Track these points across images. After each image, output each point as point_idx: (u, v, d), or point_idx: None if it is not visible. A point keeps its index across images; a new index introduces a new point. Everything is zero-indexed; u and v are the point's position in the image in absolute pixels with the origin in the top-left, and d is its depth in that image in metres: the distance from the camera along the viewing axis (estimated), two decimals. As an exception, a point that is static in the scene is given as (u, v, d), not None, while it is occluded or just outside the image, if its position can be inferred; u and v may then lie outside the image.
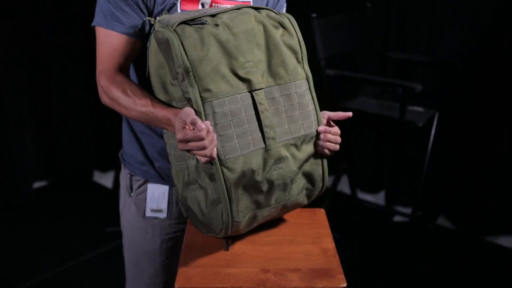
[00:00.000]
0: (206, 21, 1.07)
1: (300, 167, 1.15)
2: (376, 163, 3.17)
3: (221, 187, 1.05)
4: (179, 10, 1.19)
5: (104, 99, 1.21)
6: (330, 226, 1.29)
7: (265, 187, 1.10)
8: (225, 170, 1.04)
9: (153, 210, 1.36)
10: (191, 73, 1.03)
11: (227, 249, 1.16)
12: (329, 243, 1.21)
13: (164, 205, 1.36)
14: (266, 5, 1.31)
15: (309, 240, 1.22)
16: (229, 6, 1.21)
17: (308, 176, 1.18)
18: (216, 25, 1.08)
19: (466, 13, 2.62)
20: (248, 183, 1.08)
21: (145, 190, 1.37)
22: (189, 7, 1.20)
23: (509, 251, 2.67)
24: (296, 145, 1.13)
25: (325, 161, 1.19)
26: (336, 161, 3.16)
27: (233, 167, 1.04)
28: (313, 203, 1.26)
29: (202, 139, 0.99)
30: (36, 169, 3.25)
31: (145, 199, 1.37)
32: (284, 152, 1.11)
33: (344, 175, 2.97)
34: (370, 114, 2.41)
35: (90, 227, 2.80)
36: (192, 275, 1.09)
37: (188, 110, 1.02)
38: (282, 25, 1.15)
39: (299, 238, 1.23)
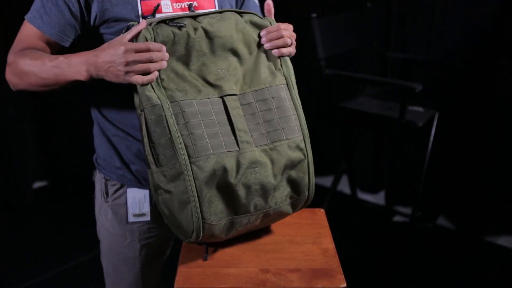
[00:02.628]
0: (185, 24, 1.08)
1: (282, 173, 1.11)
2: (376, 163, 3.17)
3: (189, 186, 1.02)
4: (140, 18, 1.16)
5: (10, 77, 1.20)
6: (330, 226, 1.29)
7: (242, 191, 1.06)
8: (194, 168, 1.02)
9: (135, 215, 1.32)
10: (158, 76, 1.05)
11: (205, 259, 1.13)
12: (329, 243, 1.21)
13: (146, 209, 1.32)
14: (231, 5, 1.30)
15: (309, 240, 1.22)
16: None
17: (293, 184, 1.14)
18: (195, 29, 1.09)
19: (466, 13, 2.62)
20: (222, 185, 1.05)
21: (122, 195, 1.32)
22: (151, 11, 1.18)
23: (509, 251, 2.67)
24: (277, 151, 1.10)
25: (311, 169, 1.16)
26: (336, 161, 3.17)
27: (204, 165, 1.02)
28: (313, 203, 1.25)
29: (149, 49, 1.02)
30: (36, 169, 3.25)
31: (123, 204, 1.32)
32: (261, 157, 1.08)
33: (344, 175, 2.97)
34: (370, 114, 2.41)
35: (90, 227, 2.79)
36: (192, 275, 1.09)
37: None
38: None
39: (299, 238, 1.23)
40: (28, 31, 1.18)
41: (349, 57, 2.87)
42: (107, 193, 1.34)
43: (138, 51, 1.03)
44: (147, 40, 1.04)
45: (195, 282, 1.06)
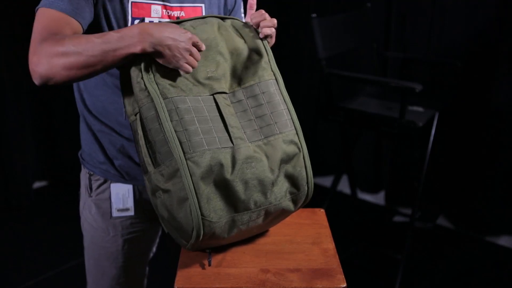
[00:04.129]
0: None
1: (279, 168, 1.11)
2: (376, 163, 3.17)
3: (186, 182, 1.02)
4: (129, 17, 1.18)
5: (38, 66, 1.02)
6: (330, 226, 1.29)
7: (239, 187, 1.06)
8: (190, 164, 1.02)
9: (119, 210, 1.34)
10: (150, 72, 1.07)
11: (209, 264, 1.11)
12: (329, 243, 1.21)
13: (130, 204, 1.33)
14: (224, 6, 1.33)
15: (309, 240, 1.22)
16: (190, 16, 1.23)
17: (291, 179, 1.14)
18: None
19: (466, 13, 2.63)
20: (219, 181, 1.05)
21: (106, 189, 1.33)
22: (141, 14, 1.19)
23: (509, 251, 2.67)
24: (271, 145, 1.11)
25: (308, 162, 1.16)
26: (336, 161, 3.17)
27: (199, 161, 1.03)
28: (313, 203, 1.25)
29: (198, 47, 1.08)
30: (36, 169, 3.25)
31: (106, 199, 1.33)
32: (256, 152, 1.09)
33: (344, 175, 2.97)
34: (370, 114, 2.41)
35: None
36: (192, 275, 1.09)
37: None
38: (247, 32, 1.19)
39: (299, 238, 1.23)
40: (50, 17, 1.07)
41: (349, 57, 2.87)
42: (91, 188, 1.35)
43: (194, 44, 1.07)
44: None
45: (195, 282, 1.07)
